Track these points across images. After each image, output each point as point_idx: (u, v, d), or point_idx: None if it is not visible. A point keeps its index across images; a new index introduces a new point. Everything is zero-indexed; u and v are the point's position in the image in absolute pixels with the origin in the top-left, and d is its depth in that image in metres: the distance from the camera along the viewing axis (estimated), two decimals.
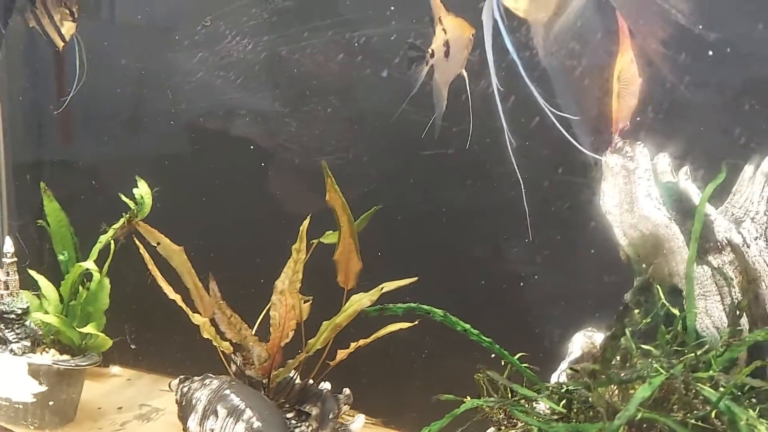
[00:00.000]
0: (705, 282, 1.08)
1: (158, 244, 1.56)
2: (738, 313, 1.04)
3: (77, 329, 1.57)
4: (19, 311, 1.67)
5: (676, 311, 1.07)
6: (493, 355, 1.20)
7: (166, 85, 1.84)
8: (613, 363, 0.98)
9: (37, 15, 1.79)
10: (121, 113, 1.93)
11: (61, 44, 1.79)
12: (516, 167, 1.05)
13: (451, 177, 1.54)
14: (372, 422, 1.64)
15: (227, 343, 1.51)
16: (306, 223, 1.44)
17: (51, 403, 1.63)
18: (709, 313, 1.07)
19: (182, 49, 1.83)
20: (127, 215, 1.52)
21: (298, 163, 1.71)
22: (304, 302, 1.47)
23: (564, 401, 1.11)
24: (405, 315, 1.16)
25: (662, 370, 0.97)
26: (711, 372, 0.97)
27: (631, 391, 1.01)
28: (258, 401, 1.40)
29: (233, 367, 1.58)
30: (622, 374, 0.94)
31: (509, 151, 1.02)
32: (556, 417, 1.12)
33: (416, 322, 1.30)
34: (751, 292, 1.08)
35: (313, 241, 1.53)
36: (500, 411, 1.19)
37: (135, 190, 1.55)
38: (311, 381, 1.51)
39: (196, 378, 1.54)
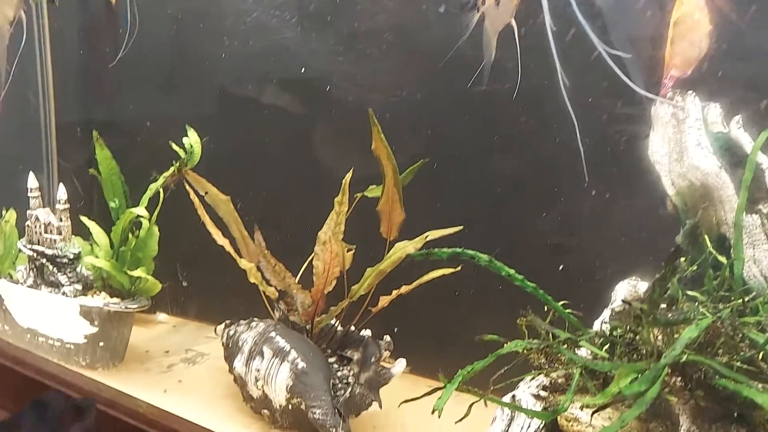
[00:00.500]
0: (754, 231, 1.08)
1: (206, 193, 1.60)
2: None
3: (128, 273, 1.62)
4: (72, 256, 1.73)
5: (723, 259, 1.07)
6: (529, 311, 1.22)
7: (220, 27, 1.85)
8: (660, 306, 0.99)
9: None
10: (173, 61, 1.94)
11: None
12: (569, 106, 1.05)
13: (504, 117, 1.52)
14: (411, 371, 1.67)
15: (272, 289, 1.55)
16: (348, 176, 1.47)
17: (101, 343, 1.69)
18: (757, 261, 1.07)
19: None
20: (177, 163, 1.55)
21: (351, 101, 1.71)
22: (347, 251, 1.50)
23: (607, 346, 1.14)
24: (450, 260, 1.18)
25: (708, 314, 0.98)
26: (758, 317, 0.98)
27: (676, 336, 1.03)
28: (302, 344, 1.45)
29: (277, 314, 1.63)
30: (669, 315, 0.95)
31: (562, 90, 1.02)
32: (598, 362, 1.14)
33: (459, 268, 1.32)
34: None
35: (357, 194, 1.56)
36: (541, 355, 1.21)
37: (185, 139, 1.58)
38: (353, 328, 1.55)
39: (242, 321, 1.59)
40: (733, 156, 1.11)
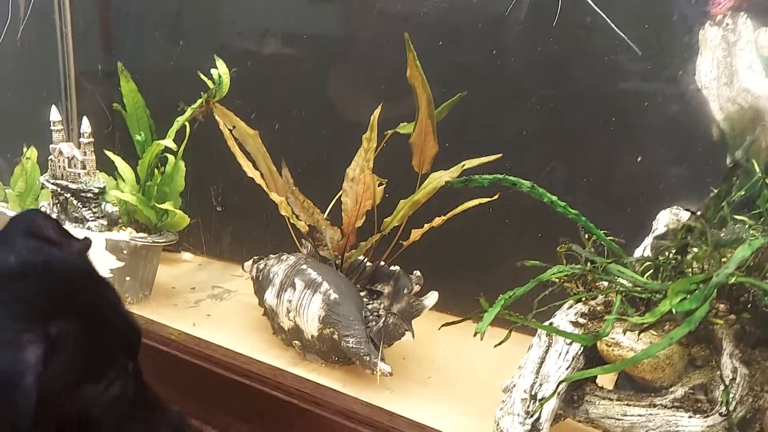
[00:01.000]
0: None
1: (233, 127, 1.58)
2: None
3: (156, 205, 1.61)
4: (96, 190, 1.72)
5: None
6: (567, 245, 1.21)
7: None
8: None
9: None
10: None
11: None
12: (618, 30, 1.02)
13: (544, 41, 1.47)
14: (438, 309, 1.68)
15: (302, 223, 1.54)
16: (377, 111, 1.44)
17: (128, 278, 1.69)
18: None
19: None
20: (206, 95, 1.53)
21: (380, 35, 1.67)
22: (378, 185, 1.48)
23: (649, 273, 1.13)
24: (490, 187, 1.17)
25: (759, 236, 0.97)
26: None
27: (723, 259, 1.02)
28: (334, 276, 1.45)
29: (304, 251, 1.62)
30: (722, 234, 0.94)
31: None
32: (639, 289, 1.13)
33: (496, 197, 1.31)
34: None
35: (387, 131, 1.54)
36: (579, 284, 1.21)
37: (213, 70, 1.55)
38: (382, 263, 1.54)
39: (272, 256, 1.59)
40: None
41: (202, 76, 1.54)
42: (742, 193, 1.06)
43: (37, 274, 0.74)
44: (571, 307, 1.21)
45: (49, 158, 1.77)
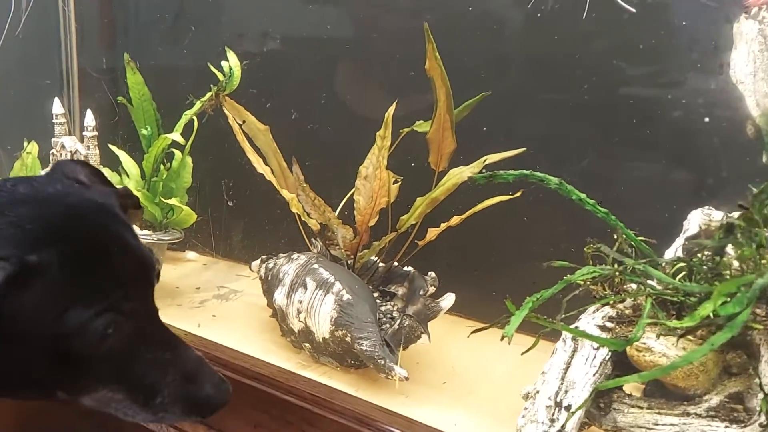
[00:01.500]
0: None
1: (243, 122, 1.53)
2: None
3: (162, 199, 1.56)
4: None
5: None
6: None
7: None
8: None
9: None
10: None
11: None
12: None
13: (573, 32, 1.42)
14: (451, 312, 1.63)
15: (314, 221, 1.49)
16: (392, 108, 1.39)
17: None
18: None
19: None
20: (216, 88, 1.48)
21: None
22: (393, 183, 1.43)
23: (681, 275, 1.08)
24: (516, 184, 1.12)
25: None
26: None
27: (763, 261, 0.97)
28: (347, 276, 1.40)
29: (314, 250, 1.57)
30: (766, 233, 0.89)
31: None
32: (671, 291, 1.09)
33: (519, 193, 1.26)
34: None
35: (403, 129, 1.49)
36: (606, 286, 1.16)
37: (223, 63, 1.50)
38: (396, 263, 1.49)
39: (281, 255, 1.53)
40: None
41: (213, 69, 1.49)
42: None
43: (39, 202, 0.74)
44: (597, 310, 1.16)
45: (50, 152, 1.71)
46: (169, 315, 1.60)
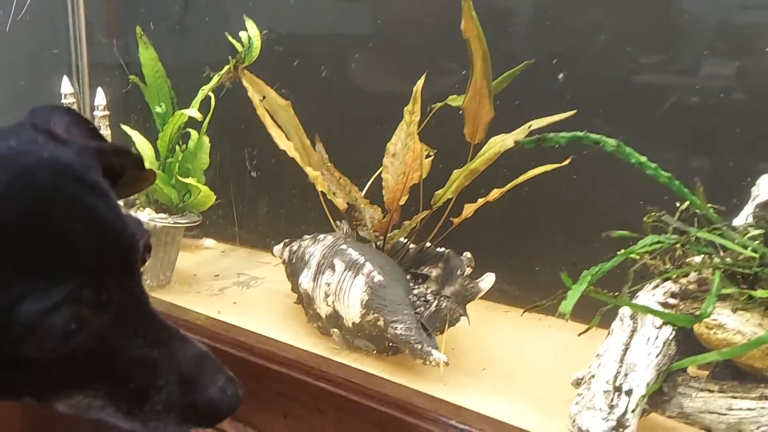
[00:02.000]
0: None
1: (263, 97, 1.44)
2: None
3: (179, 178, 1.46)
4: None
5: None
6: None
7: None
8: None
9: None
10: None
11: None
12: None
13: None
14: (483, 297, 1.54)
15: (340, 200, 1.40)
16: (420, 82, 1.30)
17: (146, 263, 1.55)
18: None
19: None
20: (234, 59, 1.39)
21: None
22: (426, 157, 1.34)
23: (756, 244, 0.98)
24: (569, 147, 1.02)
25: None
26: None
27: None
28: (377, 256, 1.30)
29: (340, 232, 1.48)
30: None
31: None
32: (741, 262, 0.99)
33: (567, 161, 1.16)
34: None
35: (434, 105, 1.40)
36: (665, 260, 1.06)
37: (242, 33, 1.41)
38: (428, 244, 1.40)
39: (306, 236, 1.44)
40: None
41: (231, 39, 1.40)
42: None
43: None
44: (657, 286, 1.06)
45: None
46: (189, 302, 1.54)
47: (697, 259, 1.05)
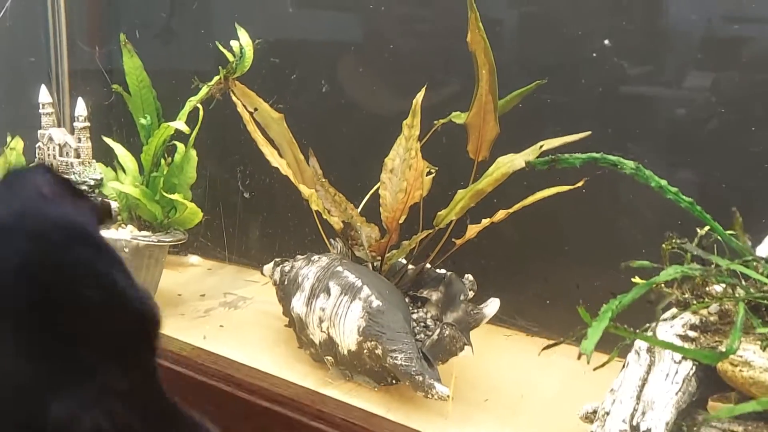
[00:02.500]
0: None
1: (255, 109, 1.37)
2: None
3: (164, 194, 1.38)
4: (92, 182, 1.50)
5: None
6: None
7: None
8: None
9: None
10: None
11: None
12: None
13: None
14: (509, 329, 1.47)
15: (336, 219, 1.33)
16: (420, 95, 1.23)
17: None
18: None
19: None
20: (225, 70, 1.31)
21: None
22: (427, 174, 1.28)
23: None
24: (583, 168, 0.96)
25: None
26: None
27: None
28: (375, 279, 1.23)
29: (334, 251, 1.41)
30: None
31: None
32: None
33: (581, 183, 1.10)
34: None
35: (438, 121, 1.34)
36: (684, 289, 1.01)
37: (233, 42, 1.33)
38: (428, 265, 1.33)
39: (299, 257, 1.37)
40: None
41: (221, 48, 1.33)
42: None
43: None
44: (674, 317, 1.00)
45: (36, 146, 1.54)
46: (173, 326, 1.45)
47: (718, 288, 0.99)
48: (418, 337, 1.21)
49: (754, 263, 0.95)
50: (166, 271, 1.60)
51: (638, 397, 0.95)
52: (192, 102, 1.35)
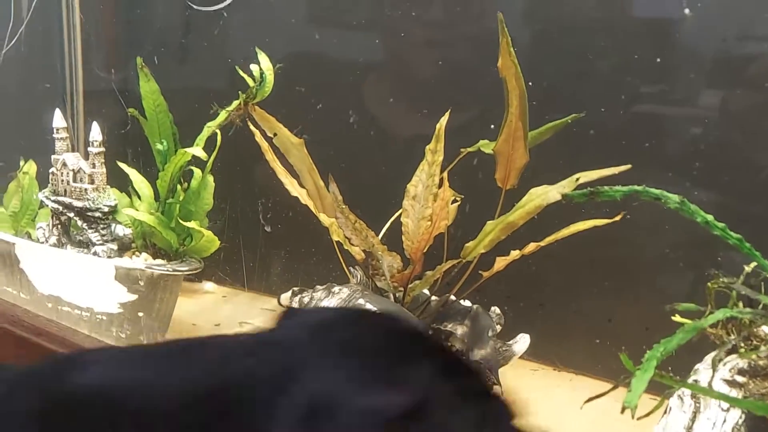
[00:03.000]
0: None
1: (275, 135, 1.33)
2: None
3: (180, 221, 1.34)
4: (106, 209, 1.46)
5: None
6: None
7: None
8: None
9: None
10: None
11: None
12: None
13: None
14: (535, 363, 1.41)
15: (357, 249, 1.28)
16: (444, 119, 1.19)
17: (141, 314, 1.43)
18: None
19: None
20: (244, 95, 1.27)
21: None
22: (452, 202, 1.23)
23: None
24: (624, 203, 0.91)
25: None
26: None
27: None
28: (397, 312, 1.18)
29: (353, 280, 1.36)
30: None
31: None
32: None
33: (618, 217, 1.05)
34: None
35: (463, 149, 1.29)
36: (733, 330, 0.95)
37: (253, 66, 1.30)
38: (452, 297, 1.28)
39: (318, 287, 1.32)
40: None
41: (241, 73, 1.29)
42: None
43: None
44: (720, 360, 0.95)
45: (50, 171, 1.51)
46: None
47: (767, 329, 0.94)
48: None
49: None
50: (180, 299, 1.56)
51: None
52: (210, 127, 1.32)
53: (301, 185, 1.30)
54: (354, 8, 1.56)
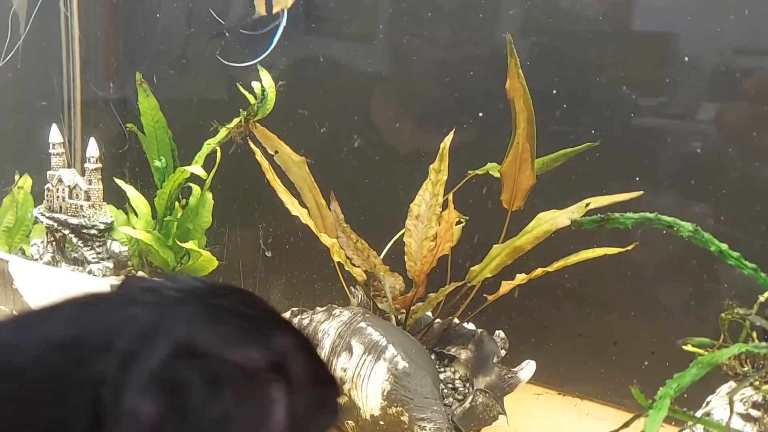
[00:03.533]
0: None
1: (276, 152, 1.31)
2: None
3: (177, 242, 1.31)
4: (102, 226, 1.43)
5: None
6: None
7: None
8: None
9: None
10: None
11: None
12: None
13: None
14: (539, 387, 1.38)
15: (359, 270, 1.26)
16: (448, 138, 1.17)
17: None
18: None
19: None
20: (245, 112, 1.25)
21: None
22: (456, 223, 1.20)
23: None
24: (635, 230, 0.88)
25: None
26: None
27: None
28: (401, 337, 1.15)
29: (354, 301, 1.33)
30: None
31: None
32: None
33: (631, 247, 1.02)
34: None
35: (471, 171, 1.27)
36: (747, 362, 0.92)
37: (254, 84, 1.28)
38: (456, 320, 1.25)
39: (318, 309, 1.29)
40: None
41: (243, 90, 1.27)
42: None
43: None
44: (734, 391, 0.92)
45: (45, 187, 1.48)
46: None
47: None
48: (446, 400, 1.13)
49: None
50: None
51: None
52: (210, 145, 1.29)
53: (302, 204, 1.28)
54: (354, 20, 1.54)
